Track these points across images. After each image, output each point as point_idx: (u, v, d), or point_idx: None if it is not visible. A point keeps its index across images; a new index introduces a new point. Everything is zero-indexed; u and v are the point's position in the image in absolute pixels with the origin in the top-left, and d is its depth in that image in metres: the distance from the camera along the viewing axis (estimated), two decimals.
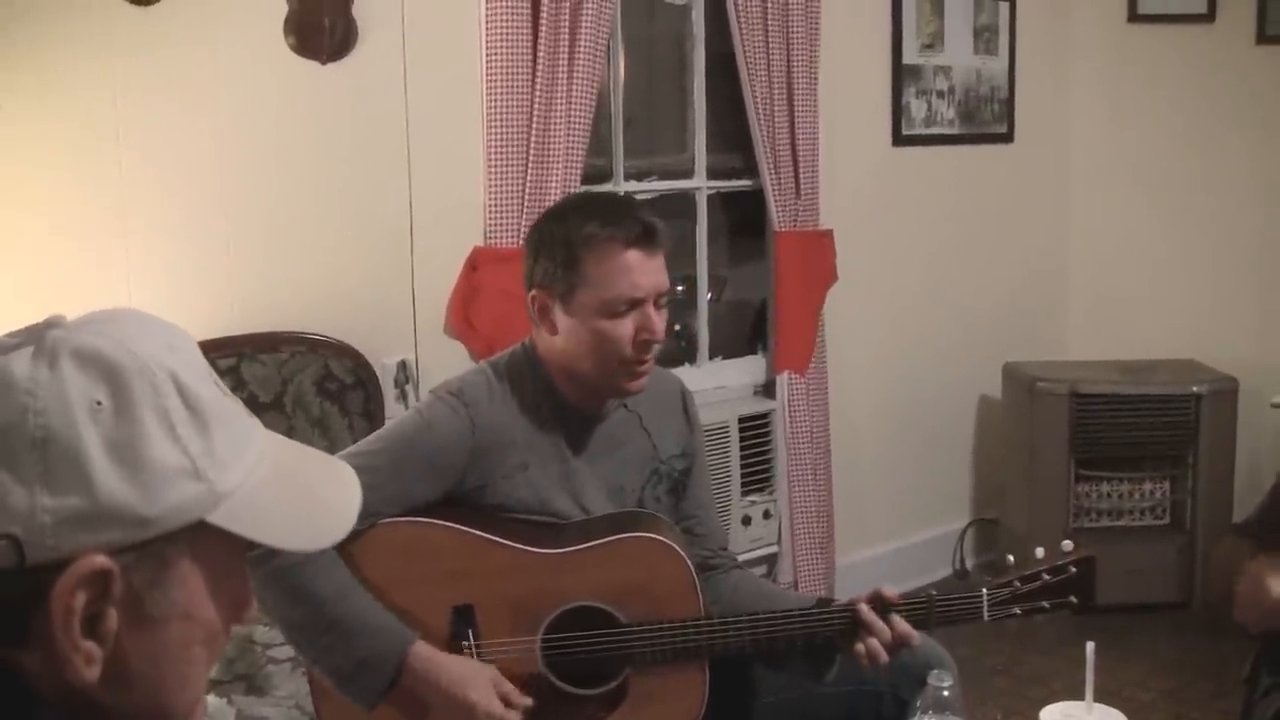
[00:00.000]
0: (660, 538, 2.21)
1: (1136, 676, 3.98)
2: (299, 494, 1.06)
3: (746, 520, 4.25)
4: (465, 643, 2.13)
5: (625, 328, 2.16)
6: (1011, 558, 2.26)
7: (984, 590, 2.21)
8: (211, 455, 0.97)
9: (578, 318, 2.18)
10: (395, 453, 2.16)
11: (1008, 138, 5.05)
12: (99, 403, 0.93)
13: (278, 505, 1.02)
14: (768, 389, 4.43)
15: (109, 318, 1.01)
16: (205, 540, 0.98)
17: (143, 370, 0.95)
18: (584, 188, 3.72)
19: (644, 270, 2.17)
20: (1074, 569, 2.22)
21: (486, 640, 2.15)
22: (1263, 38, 4.85)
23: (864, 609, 2.15)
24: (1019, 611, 2.21)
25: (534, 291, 2.22)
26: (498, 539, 2.15)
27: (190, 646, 1.00)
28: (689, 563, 2.20)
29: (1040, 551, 2.24)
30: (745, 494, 4.28)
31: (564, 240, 2.17)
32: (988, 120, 4.97)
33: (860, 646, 2.14)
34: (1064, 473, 4.52)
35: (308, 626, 2.05)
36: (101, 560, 0.92)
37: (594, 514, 2.27)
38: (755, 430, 4.29)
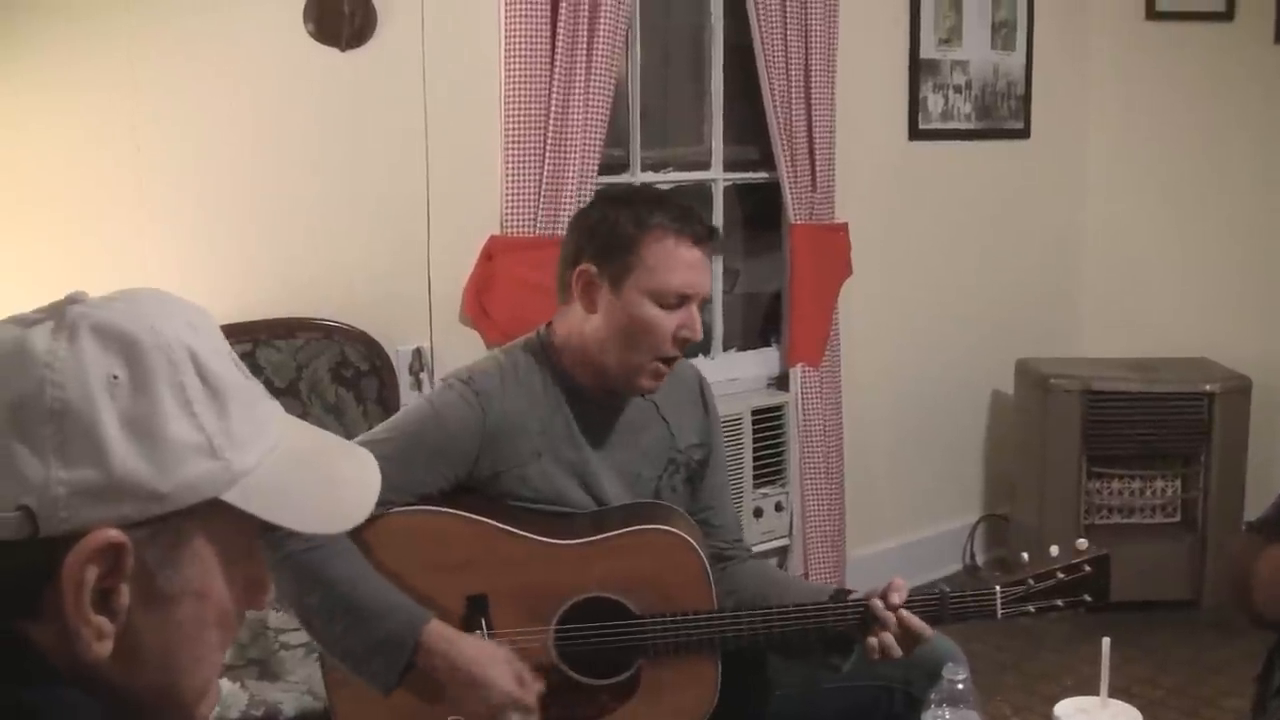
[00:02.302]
0: (673, 530, 2.21)
1: (1146, 674, 3.98)
2: (317, 478, 1.06)
3: (758, 512, 4.26)
4: (478, 632, 2.13)
5: (669, 320, 2.18)
6: (1026, 555, 2.24)
7: (998, 587, 2.20)
8: (228, 434, 0.97)
9: (625, 299, 2.17)
10: (405, 441, 2.16)
11: (1024, 134, 5.04)
12: (116, 377, 0.93)
13: (295, 488, 1.02)
14: (781, 382, 4.44)
15: (130, 296, 1.01)
16: (220, 519, 0.98)
17: (161, 346, 0.96)
18: (601, 179, 3.73)
19: (699, 270, 2.20)
20: (1089, 567, 2.20)
21: (499, 630, 2.15)
22: None
23: (876, 603, 2.15)
24: (1033, 610, 2.20)
25: (583, 266, 2.20)
26: (511, 529, 2.16)
27: (203, 627, 1.00)
28: (702, 555, 2.20)
29: (1055, 550, 2.22)
30: (757, 486, 4.28)
31: (632, 221, 2.17)
32: (1004, 116, 4.96)
33: (873, 640, 2.14)
34: (1075, 469, 4.51)
35: (323, 611, 2.06)
36: (114, 534, 0.92)
37: (609, 503, 2.27)
38: (768, 422, 4.30)
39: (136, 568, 0.94)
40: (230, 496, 0.97)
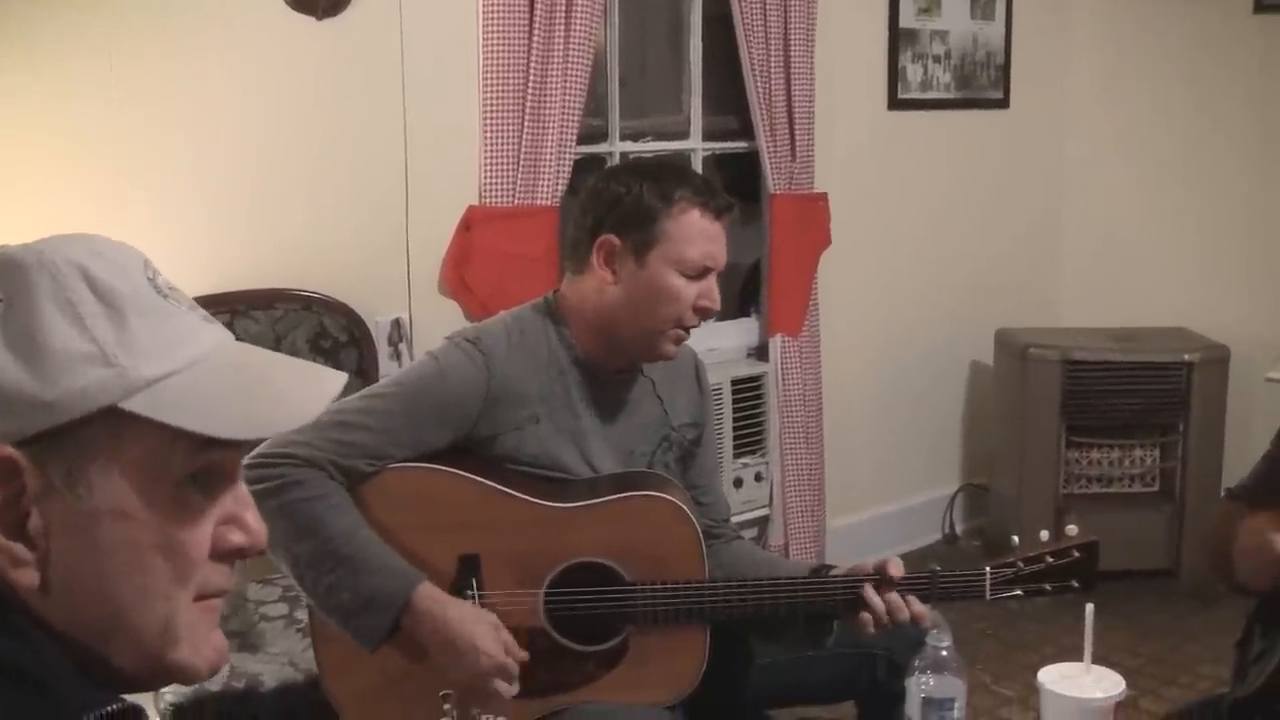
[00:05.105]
0: (669, 498, 2.21)
1: (1124, 642, 4.00)
2: (247, 387, 1.03)
3: (738, 483, 4.26)
4: (469, 592, 2.13)
5: (690, 290, 2.20)
6: (1016, 538, 2.27)
7: (987, 569, 2.22)
8: (126, 344, 0.96)
9: (650, 270, 2.19)
10: (409, 397, 2.16)
11: (1003, 104, 5.03)
12: (1, 300, 0.96)
13: (218, 396, 0.99)
14: (760, 352, 4.44)
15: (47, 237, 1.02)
16: (129, 433, 0.96)
17: (44, 265, 0.97)
18: (580, 148, 3.71)
19: (719, 242, 2.24)
20: (1077, 553, 2.23)
21: (490, 591, 2.15)
22: (1260, 7, 4.83)
23: (868, 589, 2.16)
24: (1020, 592, 2.23)
25: (606, 237, 2.22)
26: (508, 490, 2.16)
27: (139, 552, 0.97)
28: (696, 525, 2.20)
29: (1045, 534, 2.25)
30: (737, 456, 4.28)
31: (657, 194, 2.20)
32: (984, 86, 4.95)
33: (865, 615, 2.15)
34: (1054, 439, 4.53)
35: (315, 562, 2.05)
36: (5, 449, 0.93)
37: (602, 474, 2.28)
38: (747, 393, 4.30)
39: (43, 487, 0.94)
40: (134, 405, 0.95)
